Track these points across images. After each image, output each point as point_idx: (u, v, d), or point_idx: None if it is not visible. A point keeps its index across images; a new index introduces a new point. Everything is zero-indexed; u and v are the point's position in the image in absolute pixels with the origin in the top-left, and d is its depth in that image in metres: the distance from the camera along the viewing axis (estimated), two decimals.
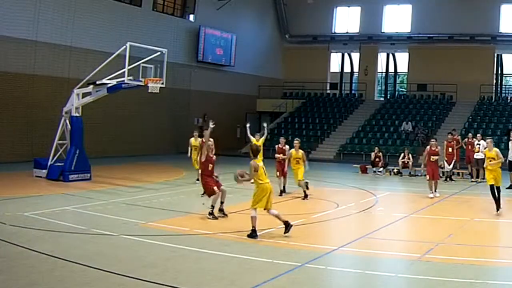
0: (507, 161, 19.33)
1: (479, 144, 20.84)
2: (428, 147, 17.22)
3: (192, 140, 19.01)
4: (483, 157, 20.74)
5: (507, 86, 38.68)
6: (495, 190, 13.53)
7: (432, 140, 17.94)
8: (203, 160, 12.59)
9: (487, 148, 14.31)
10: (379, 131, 32.61)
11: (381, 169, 23.78)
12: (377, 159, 24.07)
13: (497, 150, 14.04)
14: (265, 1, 38.81)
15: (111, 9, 27.46)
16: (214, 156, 12.82)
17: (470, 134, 22.71)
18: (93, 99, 18.54)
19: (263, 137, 18.74)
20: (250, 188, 13.97)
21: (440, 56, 35.07)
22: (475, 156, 20.87)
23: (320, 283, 7.88)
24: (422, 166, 18.02)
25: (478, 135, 21.63)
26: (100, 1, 26.90)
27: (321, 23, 38.65)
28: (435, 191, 16.55)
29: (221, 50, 34.99)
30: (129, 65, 17.13)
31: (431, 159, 16.79)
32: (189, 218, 12.48)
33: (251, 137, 18.34)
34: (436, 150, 17.11)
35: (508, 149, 19.55)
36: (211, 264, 8.55)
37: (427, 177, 16.85)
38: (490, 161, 13.77)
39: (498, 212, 13.39)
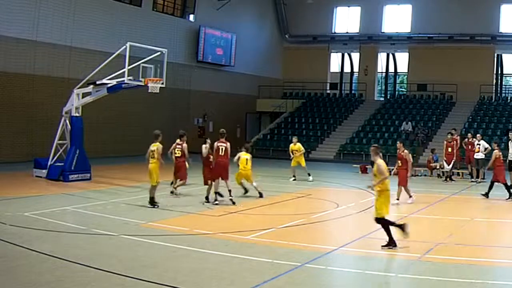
0: (507, 161, 19.36)
1: (479, 144, 20.87)
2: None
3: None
4: (483, 157, 20.90)
5: (507, 86, 38.67)
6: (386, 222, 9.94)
7: (397, 142, 16.31)
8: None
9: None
10: (379, 131, 32.59)
11: None
12: None
13: (380, 163, 9.93)
14: (265, 1, 38.80)
15: (111, 9, 27.45)
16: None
17: (469, 134, 22.70)
18: (93, 99, 18.53)
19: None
20: (250, 187, 14.04)
21: (440, 56, 35.03)
22: (475, 156, 20.88)
23: (320, 283, 7.88)
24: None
25: (478, 135, 21.64)
26: (100, 1, 26.89)
27: (321, 23, 38.62)
28: (397, 198, 14.91)
29: (221, 50, 34.96)
30: (129, 65, 17.13)
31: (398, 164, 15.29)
32: (189, 218, 12.49)
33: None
34: (401, 153, 15.27)
35: (508, 149, 19.54)
36: (211, 264, 8.55)
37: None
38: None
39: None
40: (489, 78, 34.81)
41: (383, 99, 38.72)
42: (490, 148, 21.54)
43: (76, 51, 25.48)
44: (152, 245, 9.64)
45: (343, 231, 12.12)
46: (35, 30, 23.77)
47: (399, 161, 15.37)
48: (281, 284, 7.63)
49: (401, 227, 9.88)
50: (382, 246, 9.66)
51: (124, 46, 17.36)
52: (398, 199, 14.98)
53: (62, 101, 19.36)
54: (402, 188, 15.16)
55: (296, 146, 20.60)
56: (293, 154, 20.57)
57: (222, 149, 14.16)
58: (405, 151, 15.43)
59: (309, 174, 20.24)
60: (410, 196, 15.27)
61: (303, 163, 20.45)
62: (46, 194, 15.39)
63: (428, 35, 35.52)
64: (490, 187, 16.35)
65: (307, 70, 38.67)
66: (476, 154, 20.79)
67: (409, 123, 31.75)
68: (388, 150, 28.83)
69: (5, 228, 10.49)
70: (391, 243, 9.68)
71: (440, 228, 11.98)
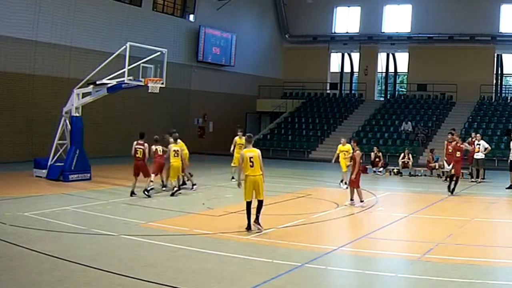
0: (508, 161, 19.36)
1: (479, 144, 20.86)
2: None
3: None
4: (483, 157, 20.89)
5: (507, 86, 38.66)
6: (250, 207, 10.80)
7: (351, 140, 15.46)
8: None
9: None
10: (379, 131, 32.59)
11: (381, 169, 23.77)
12: (377, 159, 24.05)
13: (242, 152, 11.13)
14: (265, 1, 38.80)
15: (111, 9, 27.45)
16: None
17: (473, 133, 22.64)
18: (93, 99, 18.54)
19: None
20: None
21: (440, 56, 35.05)
22: (475, 156, 20.87)
23: (320, 283, 7.88)
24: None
25: (478, 135, 21.64)
26: (100, 1, 26.90)
27: (321, 23, 38.64)
28: (351, 199, 14.51)
29: (221, 50, 34.98)
30: (129, 65, 17.13)
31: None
32: (189, 218, 12.49)
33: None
34: (354, 154, 14.47)
35: (509, 149, 19.55)
36: (211, 264, 8.55)
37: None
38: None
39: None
40: (489, 78, 34.81)
41: (383, 99, 38.73)
42: (490, 148, 21.59)
43: (76, 51, 25.48)
44: (152, 245, 9.64)
45: (343, 231, 12.12)
46: (35, 30, 23.77)
47: (352, 161, 14.65)
48: (281, 284, 7.63)
49: (249, 225, 10.83)
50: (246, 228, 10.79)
51: (124, 46, 17.37)
52: (352, 199, 14.44)
53: (62, 101, 19.36)
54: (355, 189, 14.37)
55: (346, 147, 18.37)
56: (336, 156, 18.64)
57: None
58: (357, 151, 14.49)
59: (344, 182, 18.31)
60: (362, 201, 14.37)
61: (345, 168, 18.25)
62: (46, 194, 15.38)
63: (428, 35, 35.52)
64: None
65: (307, 70, 38.67)
66: (476, 154, 20.78)
67: (409, 123, 31.76)
68: (388, 150, 28.89)
69: (5, 228, 10.49)
70: (248, 227, 10.80)
71: (440, 228, 11.97)
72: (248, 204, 10.82)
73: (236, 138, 19.54)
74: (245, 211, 10.90)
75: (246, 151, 10.98)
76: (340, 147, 18.59)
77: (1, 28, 22.41)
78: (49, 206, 12.96)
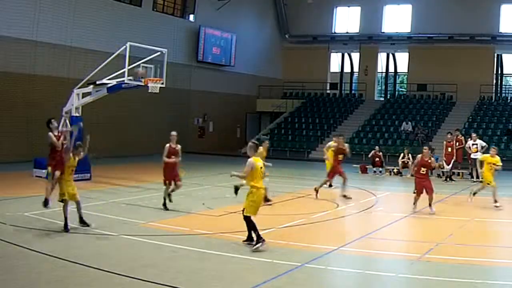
0: None
1: (476, 144, 20.88)
2: (420, 156, 14.12)
3: None
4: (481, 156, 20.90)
5: (507, 86, 38.67)
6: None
7: (425, 148, 14.45)
8: None
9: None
10: (379, 131, 32.59)
11: (381, 169, 23.77)
12: (377, 159, 24.06)
13: (249, 160, 9.74)
14: (265, 1, 38.79)
15: (111, 9, 27.44)
16: None
17: (472, 133, 22.64)
18: (93, 99, 18.54)
19: None
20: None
21: (440, 56, 35.04)
22: (472, 156, 20.89)
23: (320, 283, 7.89)
24: (409, 175, 14.87)
25: (474, 134, 21.69)
26: (100, 1, 26.89)
27: (321, 23, 38.62)
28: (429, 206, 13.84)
29: (221, 50, 34.97)
30: (129, 65, 17.13)
31: (421, 171, 13.91)
32: (189, 218, 12.49)
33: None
34: (428, 161, 13.95)
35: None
36: (211, 264, 8.55)
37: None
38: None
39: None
40: (489, 78, 34.82)
41: (383, 99, 38.72)
42: (487, 146, 21.59)
43: (76, 51, 25.47)
44: (152, 245, 9.64)
45: (343, 231, 12.12)
46: (35, 30, 23.76)
47: (423, 168, 13.93)
48: (281, 284, 7.63)
49: (252, 239, 9.70)
50: (243, 241, 9.88)
51: (124, 46, 17.36)
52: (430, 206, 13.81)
53: (62, 101, 19.33)
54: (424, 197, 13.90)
55: (495, 159, 15.48)
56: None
57: None
58: (432, 158, 14.05)
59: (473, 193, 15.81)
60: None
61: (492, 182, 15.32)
62: None
63: (428, 35, 35.51)
64: None
65: (307, 70, 38.64)
66: (473, 154, 20.78)
67: (409, 123, 31.76)
68: (388, 150, 28.88)
69: (5, 228, 10.49)
70: (249, 239, 9.79)
71: (440, 228, 11.98)
72: (250, 217, 9.74)
73: (331, 142, 17.64)
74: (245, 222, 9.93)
75: (256, 160, 9.83)
76: (487, 157, 15.82)
77: (1, 28, 22.40)
78: (49, 206, 12.93)
